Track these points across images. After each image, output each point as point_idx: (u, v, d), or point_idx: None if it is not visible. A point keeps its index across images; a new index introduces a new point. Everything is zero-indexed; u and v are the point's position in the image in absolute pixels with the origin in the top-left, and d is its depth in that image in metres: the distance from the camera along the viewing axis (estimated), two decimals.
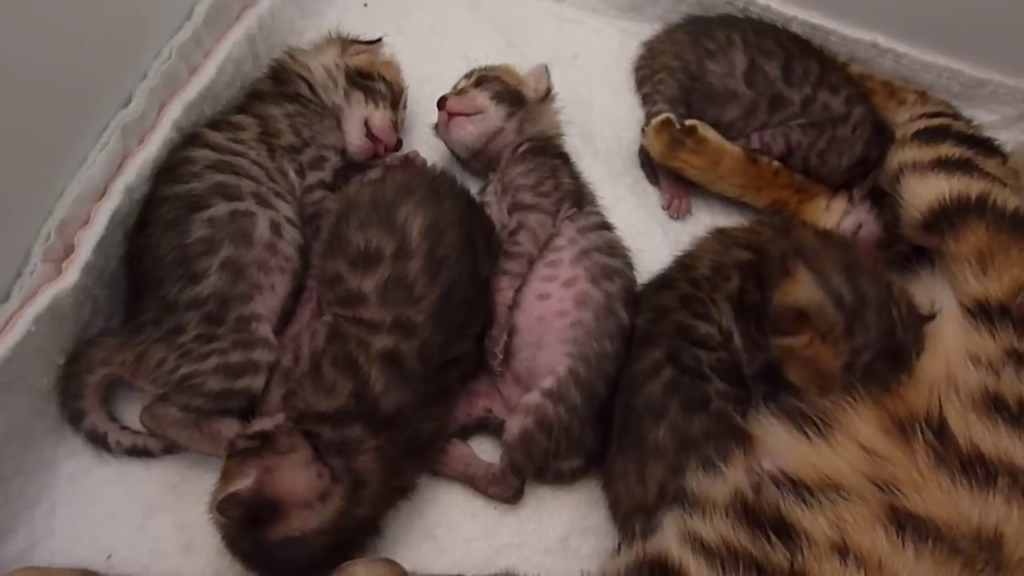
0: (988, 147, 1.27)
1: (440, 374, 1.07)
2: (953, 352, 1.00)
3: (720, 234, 1.26)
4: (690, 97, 1.47)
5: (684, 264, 1.24)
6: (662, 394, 1.09)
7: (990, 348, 0.97)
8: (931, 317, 1.05)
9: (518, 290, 1.15)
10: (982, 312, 1.00)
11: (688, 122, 1.39)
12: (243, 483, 0.93)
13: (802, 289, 1.03)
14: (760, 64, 1.43)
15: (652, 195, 1.49)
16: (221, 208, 1.09)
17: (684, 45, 1.50)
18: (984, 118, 1.56)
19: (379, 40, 1.42)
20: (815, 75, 1.42)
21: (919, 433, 0.92)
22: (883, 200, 1.34)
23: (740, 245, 1.21)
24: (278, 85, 1.30)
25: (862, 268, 1.07)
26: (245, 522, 0.93)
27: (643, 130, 1.43)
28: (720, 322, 1.15)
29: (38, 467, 1.07)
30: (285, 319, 1.16)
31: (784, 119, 1.42)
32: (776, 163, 1.42)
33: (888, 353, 1.02)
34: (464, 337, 1.10)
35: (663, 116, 1.40)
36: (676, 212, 1.45)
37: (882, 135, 1.41)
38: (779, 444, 0.98)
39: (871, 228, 1.37)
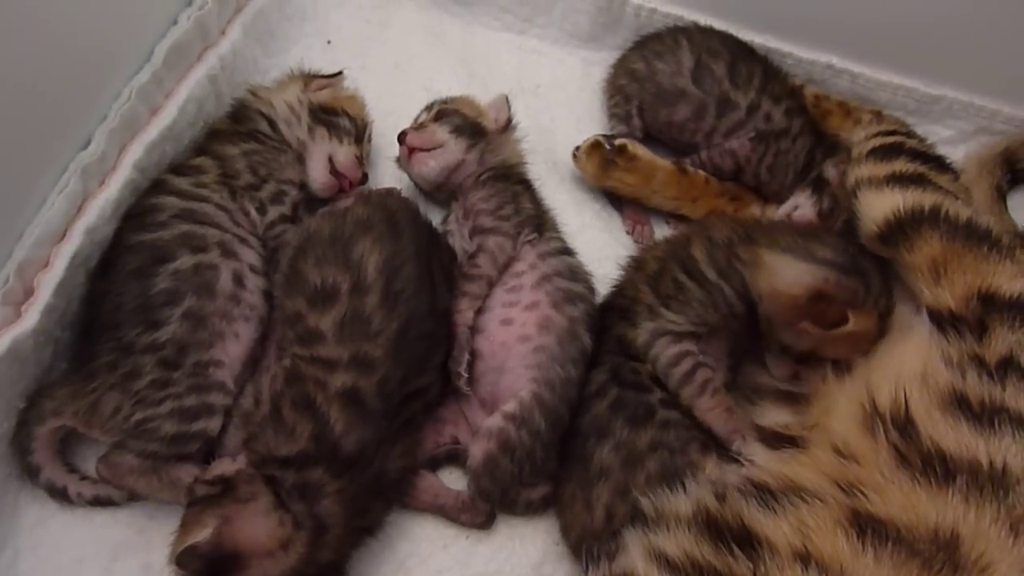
0: (941, 164, 1.29)
1: (402, 408, 1.06)
2: (926, 350, 1.00)
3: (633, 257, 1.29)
4: (643, 103, 1.49)
5: (616, 286, 1.26)
6: (607, 413, 1.09)
7: (955, 352, 0.98)
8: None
9: (480, 314, 1.15)
10: (937, 321, 1.01)
11: (618, 141, 1.41)
12: (201, 534, 0.91)
13: (791, 273, 1.02)
14: (707, 62, 1.45)
15: (617, 221, 1.50)
16: (186, 261, 1.09)
17: (632, 56, 1.53)
18: (941, 133, 1.60)
19: (340, 73, 1.43)
20: (759, 80, 1.45)
21: (884, 430, 0.93)
22: (823, 188, 1.37)
23: (656, 256, 1.22)
24: (236, 123, 1.30)
25: (809, 230, 1.10)
26: (205, 574, 0.91)
27: (574, 155, 1.45)
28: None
29: (1, 513, 1.05)
30: (255, 364, 1.15)
31: (731, 127, 1.44)
32: (704, 172, 1.45)
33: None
34: (425, 370, 1.10)
35: (592, 138, 1.42)
36: (639, 237, 1.46)
37: (820, 138, 1.45)
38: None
39: (805, 211, 1.38)
